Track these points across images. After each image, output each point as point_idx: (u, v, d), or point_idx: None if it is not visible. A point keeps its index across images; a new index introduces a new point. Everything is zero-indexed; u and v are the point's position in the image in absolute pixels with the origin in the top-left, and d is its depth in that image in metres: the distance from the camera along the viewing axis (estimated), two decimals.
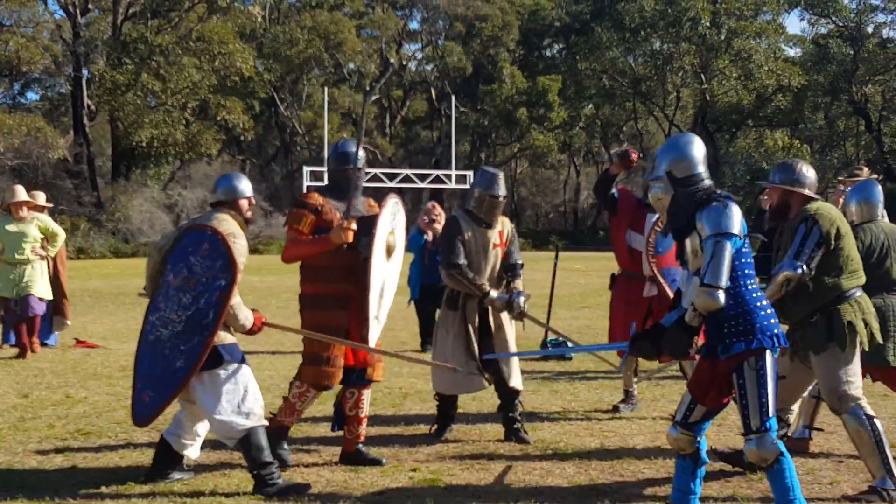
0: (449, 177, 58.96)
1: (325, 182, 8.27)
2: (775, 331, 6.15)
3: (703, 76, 69.37)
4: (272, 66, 62.70)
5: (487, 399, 10.39)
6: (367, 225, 7.77)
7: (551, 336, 14.05)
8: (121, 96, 53.12)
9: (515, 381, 8.97)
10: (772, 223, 8.08)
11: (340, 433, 8.23)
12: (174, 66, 53.53)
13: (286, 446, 8.03)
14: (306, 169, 55.33)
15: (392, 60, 68.68)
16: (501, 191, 9.00)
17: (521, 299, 8.88)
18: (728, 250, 5.97)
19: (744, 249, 6.18)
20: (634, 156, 9.98)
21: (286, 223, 7.94)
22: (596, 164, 77.41)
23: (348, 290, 7.82)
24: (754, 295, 6.18)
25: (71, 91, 55.41)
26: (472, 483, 7.59)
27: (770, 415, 6.08)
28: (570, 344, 12.44)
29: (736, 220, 6.06)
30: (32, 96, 66.11)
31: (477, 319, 8.88)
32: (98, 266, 39.63)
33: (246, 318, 7.28)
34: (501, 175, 9.15)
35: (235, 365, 7.20)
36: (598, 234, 65.72)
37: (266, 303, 21.81)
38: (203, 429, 7.56)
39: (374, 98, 67.80)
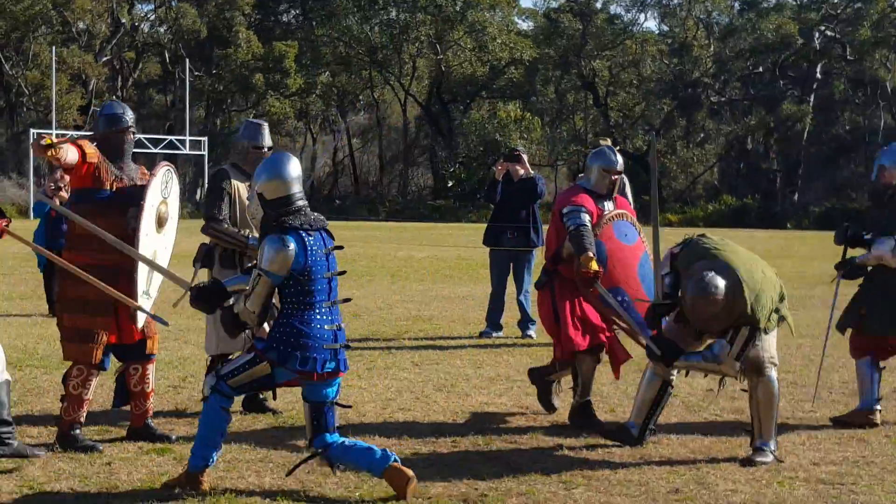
0: (183, 142, 57.88)
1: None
2: None
3: (438, 47, 70.07)
4: None
5: None
6: (137, 195, 7.43)
7: None
8: None
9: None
10: None
11: (126, 409, 7.92)
12: None
13: (86, 440, 7.56)
14: (33, 131, 53.24)
15: (124, 20, 66.71)
16: (266, 141, 8.71)
17: None
18: None
19: None
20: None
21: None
22: (332, 132, 77.21)
23: (117, 262, 7.41)
24: None
25: None
26: (273, 457, 7.49)
27: None
28: None
29: None
30: None
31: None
32: None
33: None
34: (266, 126, 8.88)
35: None
36: (334, 203, 65.66)
37: None
38: None
39: (104, 59, 65.81)
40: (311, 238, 6.49)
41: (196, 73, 66.28)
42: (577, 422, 8.55)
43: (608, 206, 8.69)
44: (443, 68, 70.70)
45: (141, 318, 7.50)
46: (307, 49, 69.77)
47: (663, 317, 7.64)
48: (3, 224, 7.14)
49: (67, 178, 14.84)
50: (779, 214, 60.96)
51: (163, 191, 7.62)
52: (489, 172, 17.76)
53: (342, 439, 6.64)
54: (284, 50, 66.62)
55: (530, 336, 13.53)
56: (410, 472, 6.49)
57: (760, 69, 73.50)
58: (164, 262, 7.77)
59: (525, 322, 13.76)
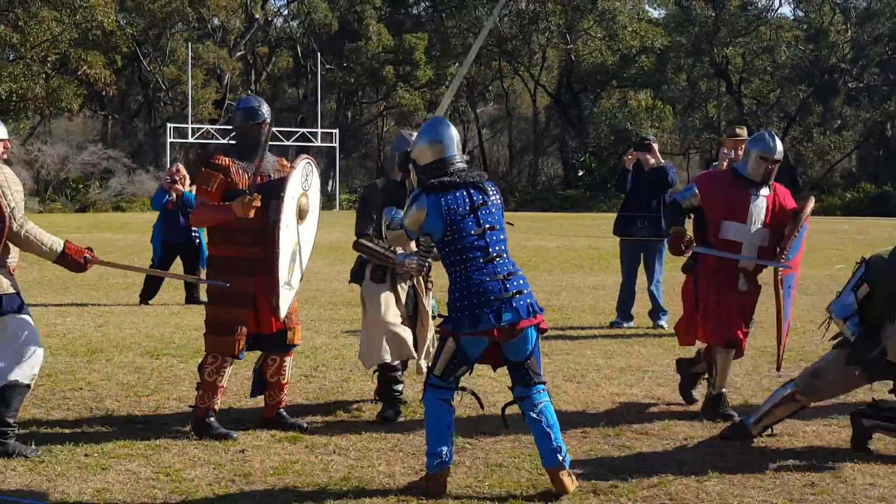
0: (315, 134, 58.60)
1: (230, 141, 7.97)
2: None
3: (568, 36, 69.81)
4: (134, 19, 61.30)
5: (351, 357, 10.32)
6: (277, 187, 7.48)
7: None
8: None
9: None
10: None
11: (259, 399, 8.07)
12: (34, 19, 52.06)
13: (220, 427, 7.63)
14: (170, 125, 54.44)
15: (257, 16, 67.73)
16: None
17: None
18: None
19: None
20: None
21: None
22: (462, 123, 77.47)
23: (257, 254, 7.54)
24: None
25: None
26: (335, 441, 7.58)
27: None
28: None
29: None
30: None
31: (402, 292, 8.34)
32: None
33: (53, 241, 7.06)
34: (415, 135, 8.72)
35: (17, 317, 6.96)
36: None
37: (128, 261, 21.42)
38: None
39: (238, 54, 66.93)
40: (447, 199, 6.37)
41: (327, 67, 67.04)
42: (710, 413, 8.44)
43: (763, 191, 8.48)
44: (572, 58, 70.42)
45: (283, 309, 7.54)
46: (437, 41, 70.04)
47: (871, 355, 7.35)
48: (89, 255, 7.22)
49: (183, 171, 15.51)
50: None
51: (303, 183, 7.64)
52: (620, 162, 17.62)
53: (539, 404, 6.41)
54: (414, 42, 67.00)
55: (661, 326, 13.40)
56: (571, 489, 6.31)
57: None
58: (306, 253, 7.83)
59: (656, 312, 13.64)
